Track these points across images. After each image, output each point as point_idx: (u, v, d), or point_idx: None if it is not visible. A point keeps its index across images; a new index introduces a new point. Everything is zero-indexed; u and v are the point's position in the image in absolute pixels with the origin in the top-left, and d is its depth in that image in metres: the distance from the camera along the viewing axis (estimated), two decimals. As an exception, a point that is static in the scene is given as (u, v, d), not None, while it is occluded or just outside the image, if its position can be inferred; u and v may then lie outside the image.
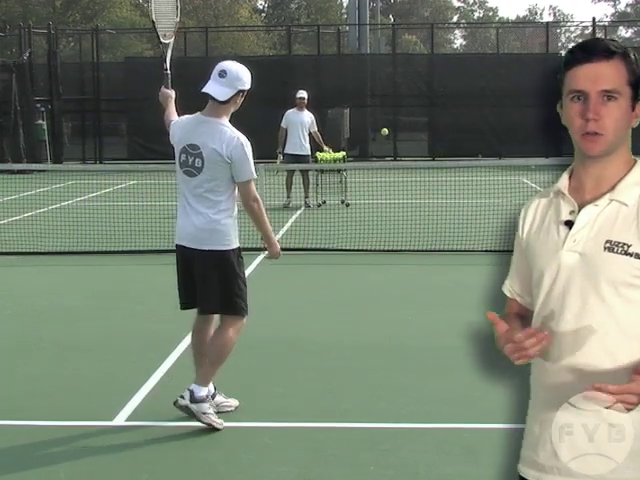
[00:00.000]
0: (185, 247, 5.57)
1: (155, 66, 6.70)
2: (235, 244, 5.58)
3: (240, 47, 50.11)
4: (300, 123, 16.76)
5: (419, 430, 5.53)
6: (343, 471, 4.94)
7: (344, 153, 17.34)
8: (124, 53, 44.22)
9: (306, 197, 16.59)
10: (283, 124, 16.90)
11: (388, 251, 11.68)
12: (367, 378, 6.51)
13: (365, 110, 29.40)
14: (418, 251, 11.56)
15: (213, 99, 5.47)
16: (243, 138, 5.48)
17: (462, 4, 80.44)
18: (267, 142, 18.56)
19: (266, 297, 9.31)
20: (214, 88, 5.45)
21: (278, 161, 16.76)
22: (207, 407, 5.40)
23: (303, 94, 17.06)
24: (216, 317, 5.73)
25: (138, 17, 52.19)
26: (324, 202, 16.46)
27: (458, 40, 79.49)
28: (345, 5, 58.97)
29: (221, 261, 5.51)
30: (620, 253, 2.21)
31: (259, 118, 25.37)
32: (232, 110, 5.56)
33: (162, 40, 6.48)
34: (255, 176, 5.55)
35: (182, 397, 5.39)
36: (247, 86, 5.52)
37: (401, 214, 13.55)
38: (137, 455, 5.19)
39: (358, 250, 11.78)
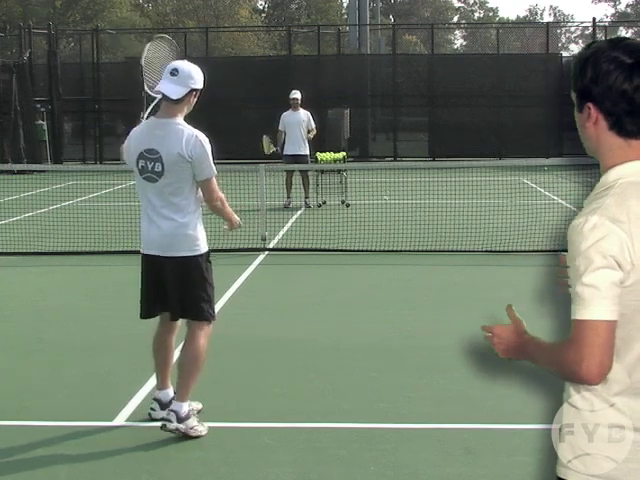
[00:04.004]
0: (154, 256, 5.42)
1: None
2: (204, 248, 5.43)
3: (240, 47, 50.17)
4: (297, 123, 16.76)
5: (419, 430, 5.53)
6: (343, 471, 4.93)
7: (344, 153, 17.35)
8: (124, 53, 44.15)
9: (306, 197, 16.59)
10: (280, 127, 16.88)
11: (388, 251, 11.67)
12: (367, 378, 6.50)
13: (365, 110, 29.41)
14: (418, 251, 11.56)
15: (167, 98, 5.33)
16: (201, 135, 5.33)
17: (462, 4, 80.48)
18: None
19: (266, 297, 9.32)
20: (167, 87, 5.30)
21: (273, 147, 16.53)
22: (192, 421, 5.35)
23: (296, 94, 17.03)
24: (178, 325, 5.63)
25: (138, 17, 52.29)
26: (324, 202, 16.46)
27: (458, 40, 79.55)
28: (345, 5, 59.00)
29: (191, 267, 5.36)
30: None
31: (259, 118, 25.43)
32: (186, 111, 5.42)
33: (149, 91, 6.12)
34: (216, 173, 5.39)
35: (169, 421, 5.31)
36: (200, 85, 5.37)
37: (401, 214, 13.56)
38: (137, 455, 5.19)
39: (358, 250, 11.77)
